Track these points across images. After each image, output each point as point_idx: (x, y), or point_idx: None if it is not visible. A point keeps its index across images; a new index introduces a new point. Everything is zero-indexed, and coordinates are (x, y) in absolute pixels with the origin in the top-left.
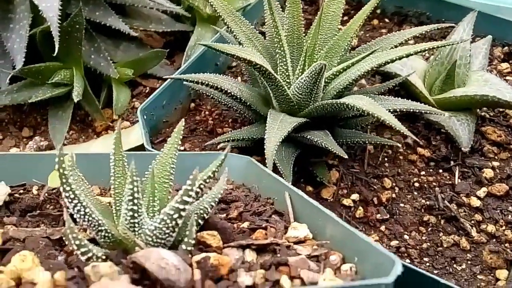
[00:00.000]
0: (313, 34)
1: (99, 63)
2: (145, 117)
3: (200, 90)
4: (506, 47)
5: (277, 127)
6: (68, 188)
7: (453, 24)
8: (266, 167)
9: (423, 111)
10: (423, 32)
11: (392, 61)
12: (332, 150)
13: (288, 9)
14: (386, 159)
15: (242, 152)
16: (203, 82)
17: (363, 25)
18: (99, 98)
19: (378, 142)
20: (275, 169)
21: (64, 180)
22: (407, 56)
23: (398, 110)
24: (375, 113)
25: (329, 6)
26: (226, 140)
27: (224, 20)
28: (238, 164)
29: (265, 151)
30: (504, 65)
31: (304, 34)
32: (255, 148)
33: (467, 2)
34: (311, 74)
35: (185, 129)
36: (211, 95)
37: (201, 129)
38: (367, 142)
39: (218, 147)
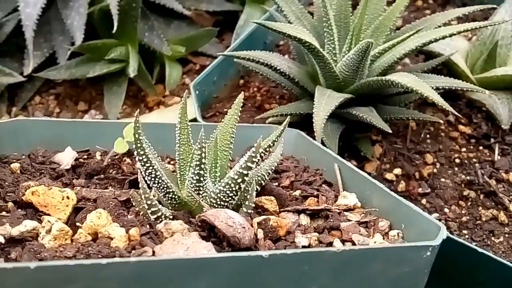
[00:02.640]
0: (360, 14)
1: (152, 40)
2: (197, 92)
3: (249, 67)
4: None
5: (325, 102)
6: (142, 152)
7: (495, 6)
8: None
9: (464, 89)
10: (466, 13)
11: (436, 40)
12: (377, 125)
13: None
14: (428, 136)
15: (289, 127)
16: (253, 59)
17: (408, 6)
18: (152, 74)
19: (420, 118)
20: (321, 143)
21: (138, 145)
22: (450, 36)
23: (440, 87)
24: (419, 89)
25: None
26: (274, 115)
27: (275, 0)
28: (288, 136)
29: (313, 125)
30: None
31: (351, 14)
32: (301, 123)
33: None
34: (357, 52)
35: None
36: (260, 72)
37: (249, 104)
38: (409, 118)
39: (267, 121)
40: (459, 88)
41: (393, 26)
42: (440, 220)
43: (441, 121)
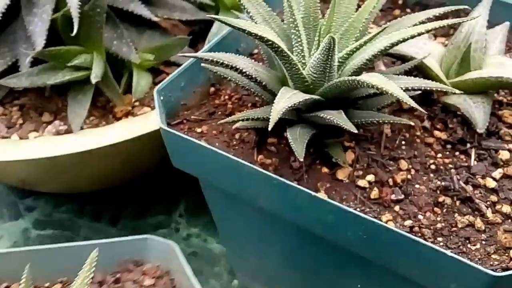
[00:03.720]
0: (328, 16)
1: (121, 48)
2: (162, 97)
3: (218, 73)
4: None
5: (288, 96)
6: None
7: (467, 7)
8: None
9: (435, 89)
10: (438, 15)
11: (404, 40)
12: (343, 126)
13: None
14: (403, 142)
15: (259, 133)
16: (218, 60)
17: (385, 15)
18: (120, 83)
19: (391, 121)
20: (290, 148)
21: None
22: (419, 34)
23: (410, 88)
24: (385, 87)
25: None
26: (241, 119)
27: (240, 1)
28: (160, 249)
29: (271, 111)
30: None
31: (321, 17)
32: (272, 129)
33: None
34: (322, 51)
35: (203, 113)
36: (229, 77)
37: (219, 112)
38: (381, 121)
39: (234, 127)
40: (428, 89)
41: (363, 28)
42: (413, 227)
43: (413, 124)
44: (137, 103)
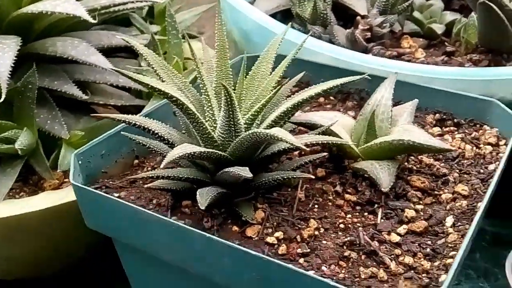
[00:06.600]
0: (238, 86)
1: (53, 126)
2: (79, 162)
3: (138, 142)
4: (437, 114)
5: (187, 147)
6: None
7: (367, 76)
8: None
9: (331, 142)
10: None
11: (305, 100)
12: (241, 173)
13: (216, 62)
14: (316, 206)
15: (175, 197)
16: (130, 121)
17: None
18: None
19: (294, 177)
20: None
21: None
22: (317, 95)
23: (309, 143)
24: (279, 135)
25: (259, 66)
26: (151, 176)
27: (156, 71)
28: None
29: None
30: (436, 129)
31: (233, 88)
32: (188, 192)
33: (400, 76)
34: (224, 107)
35: (124, 181)
36: (147, 145)
37: (141, 182)
38: (285, 177)
39: (146, 186)
40: (325, 142)
41: (274, 96)
42: None
43: (312, 176)
44: (66, 180)
